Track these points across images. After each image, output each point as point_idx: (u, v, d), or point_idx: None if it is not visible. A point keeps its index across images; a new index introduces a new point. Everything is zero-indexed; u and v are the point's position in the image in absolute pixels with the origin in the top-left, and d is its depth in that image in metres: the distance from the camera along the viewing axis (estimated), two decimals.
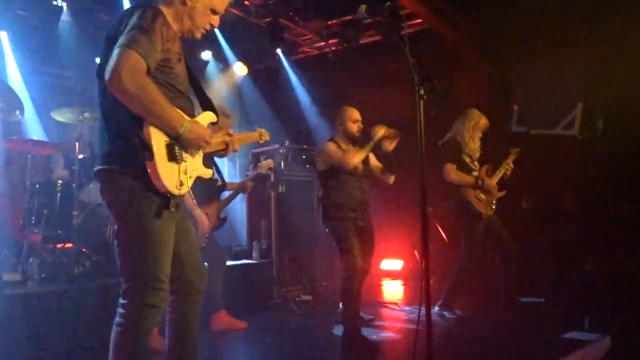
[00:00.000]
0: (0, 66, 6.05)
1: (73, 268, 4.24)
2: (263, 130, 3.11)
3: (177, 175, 2.11)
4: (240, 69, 7.62)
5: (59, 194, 4.60)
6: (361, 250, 3.72)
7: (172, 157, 2.09)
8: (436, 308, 4.56)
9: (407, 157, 4.00)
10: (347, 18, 6.72)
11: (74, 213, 4.44)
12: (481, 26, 6.39)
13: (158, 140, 2.04)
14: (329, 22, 6.98)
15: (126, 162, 2.04)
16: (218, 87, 7.58)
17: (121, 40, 1.96)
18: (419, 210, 2.40)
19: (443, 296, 4.63)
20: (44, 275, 4.20)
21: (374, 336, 4.03)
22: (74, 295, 3.79)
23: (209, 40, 6.96)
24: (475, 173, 4.62)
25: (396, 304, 5.43)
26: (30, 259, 4.30)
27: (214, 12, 2.28)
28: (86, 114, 4.64)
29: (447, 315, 4.56)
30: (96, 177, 2.16)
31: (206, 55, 7.26)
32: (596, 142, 5.98)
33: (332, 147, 3.90)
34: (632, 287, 4.95)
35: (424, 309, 2.31)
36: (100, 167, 2.11)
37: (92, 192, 4.70)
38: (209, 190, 4.14)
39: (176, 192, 2.10)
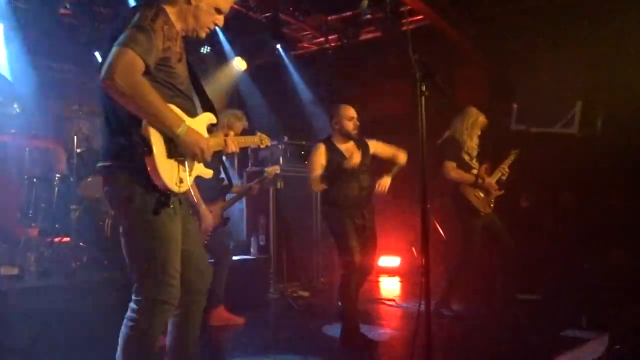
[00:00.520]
0: None
1: (70, 262, 4.23)
2: (264, 134, 2.98)
3: (177, 172, 2.09)
4: (239, 64, 7.58)
5: (56, 188, 4.59)
6: (361, 249, 3.68)
7: (172, 154, 2.06)
8: (433, 305, 4.56)
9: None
10: (347, 14, 6.69)
11: (72, 207, 4.44)
12: (481, 24, 6.39)
13: (157, 137, 2.02)
14: (329, 18, 6.96)
15: (126, 159, 2.03)
16: (217, 82, 7.54)
17: (120, 38, 1.94)
18: (417, 206, 2.39)
19: (441, 293, 4.63)
20: (41, 269, 4.18)
21: (372, 333, 4.02)
22: (72, 289, 3.77)
23: (208, 35, 6.91)
24: (475, 171, 4.61)
25: (394, 300, 5.43)
26: (28, 253, 4.29)
27: (218, 11, 2.26)
28: (85, 108, 4.63)
29: (445, 313, 4.55)
30: (99, 173, 2.14)
31: (205, 50, 7.22)
32: (595, 141, 5.98)
33: (316, 155, 3.82)
34: (630, 285, 4.95)
35: (423, 305, 2.31)
36: (101, 163, 2.10)
37: (90, 186, 4.67)
38: (215, 189, 4.16)
39: (176, 189, 2.07)
